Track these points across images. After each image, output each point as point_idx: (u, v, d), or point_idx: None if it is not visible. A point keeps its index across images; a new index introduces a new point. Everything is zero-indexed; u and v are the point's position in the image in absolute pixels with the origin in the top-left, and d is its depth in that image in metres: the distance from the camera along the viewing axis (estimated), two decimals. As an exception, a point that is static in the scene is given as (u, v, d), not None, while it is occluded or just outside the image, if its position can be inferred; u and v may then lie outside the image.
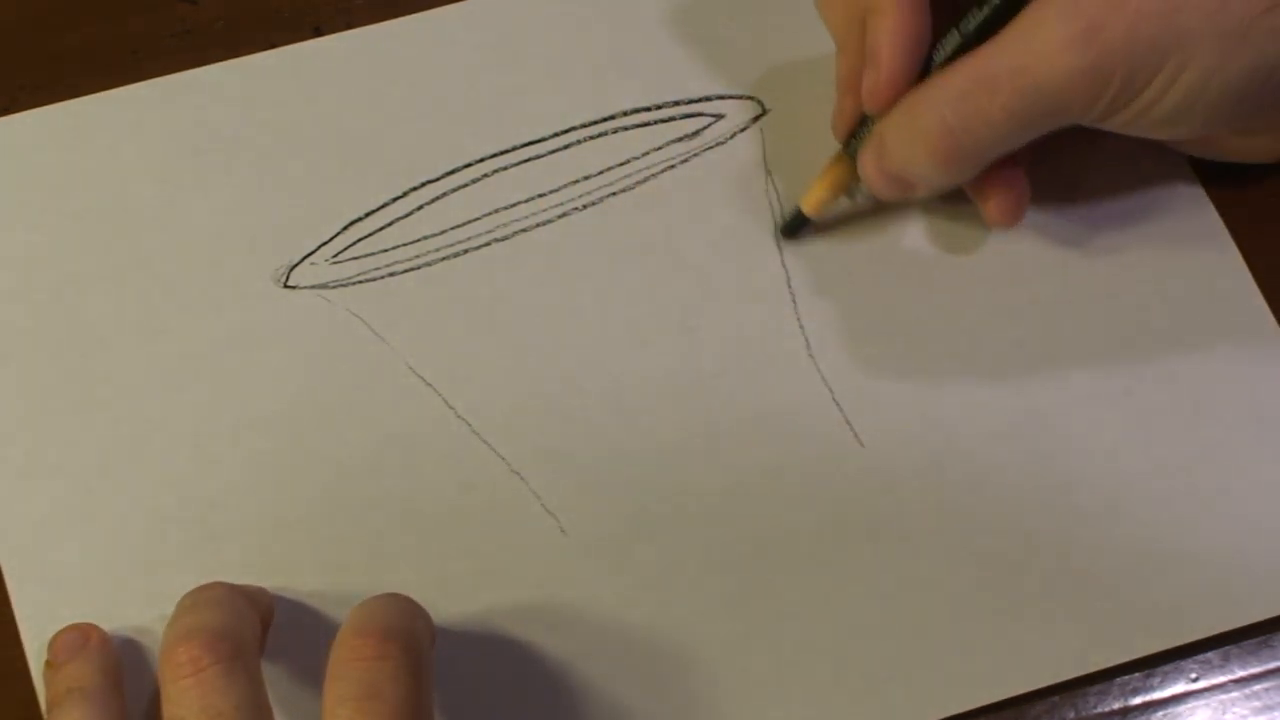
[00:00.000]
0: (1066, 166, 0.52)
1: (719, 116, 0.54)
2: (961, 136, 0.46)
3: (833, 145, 0.51)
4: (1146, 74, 0.44)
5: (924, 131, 0.46)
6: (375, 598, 0.44)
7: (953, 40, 0.46)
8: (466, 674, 0.46)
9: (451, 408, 0.49)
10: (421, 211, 0.52)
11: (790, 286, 0.51)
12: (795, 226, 0.51)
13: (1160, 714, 0.46)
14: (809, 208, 0.51)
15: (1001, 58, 0.45)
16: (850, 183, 0.51)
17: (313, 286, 0.51)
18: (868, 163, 0.48)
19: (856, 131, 0.49)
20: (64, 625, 0.46)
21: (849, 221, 0.52)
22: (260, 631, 0.44)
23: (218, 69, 0.54)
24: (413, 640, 0.42)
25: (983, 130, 0.45)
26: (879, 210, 0.51)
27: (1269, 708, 0.46)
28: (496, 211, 0.52)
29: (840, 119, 0.50)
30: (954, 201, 0.51)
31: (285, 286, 0.51)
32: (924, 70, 0.47)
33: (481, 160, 0.53)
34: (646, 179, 0.53)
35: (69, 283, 0.51)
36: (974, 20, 0.46)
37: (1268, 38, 0.43)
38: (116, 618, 0.46)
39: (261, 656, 0.45)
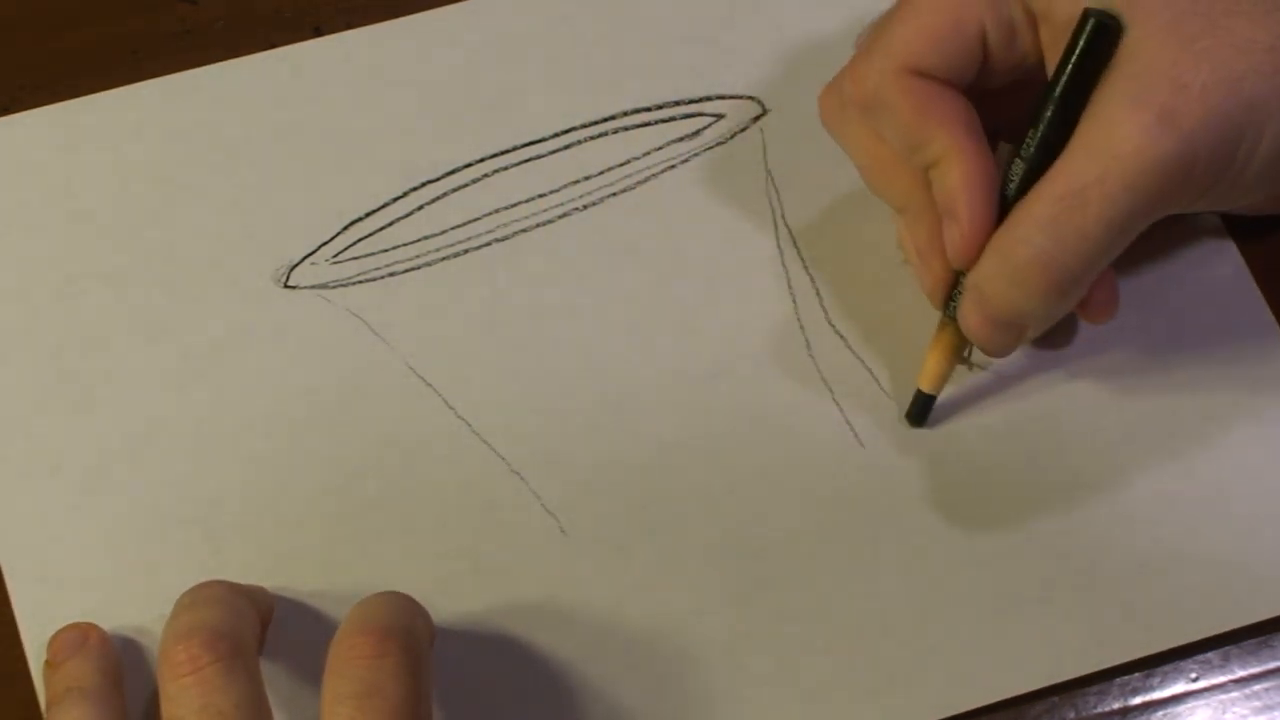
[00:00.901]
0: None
1: (719, 116, 0.54)
2: (1064, 260, 0.44)
3: (833, 150, 0.50)
4: (1229, 147, 0.43)
5: (1023, 268, 0.44)
6: (375, 596, 0.44)
7: (1019, 168, 0.45)
8: (466, 674, 0.46)
9: (451, 408, 0.49)
10: (421, 211, 0.52)
11: (790, 287, 0.51)
12: (921, 410, 0.49)
13: (1160, 714, 0.46)
14: (928, 385, 0.48)
15: (1082, 169, 0.43)
16: (961, 346, 0.48)
17: (313, 286, 0.51)
18: (970, 316, 0.46)
19: (953, 294, 0.47)
20: (64, 625, 0.46)
21: (851, 224, 0.52)
22: (259, 630, 0.44)
23: (218, 69, 0.54)
24: (412, 638, 0.42)
25: (1084, 248, 0.43)
26: (879, 212, 0.51)
27: (1269, 708, 0.46)
28: (496, 211, 0.52)
29: (935, 285, 0.48)
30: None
31: (285, 286, 0.51)
32: (1001, 210, 0.45)
33: (481, 160, 0.53)
34: (647, 179, 0.53)
35: (69, 283, 0.51)
36: (1034, 141, 0.44)
37: None
38: (116, 617, 0.46)
39: (261, 655, 0.45)
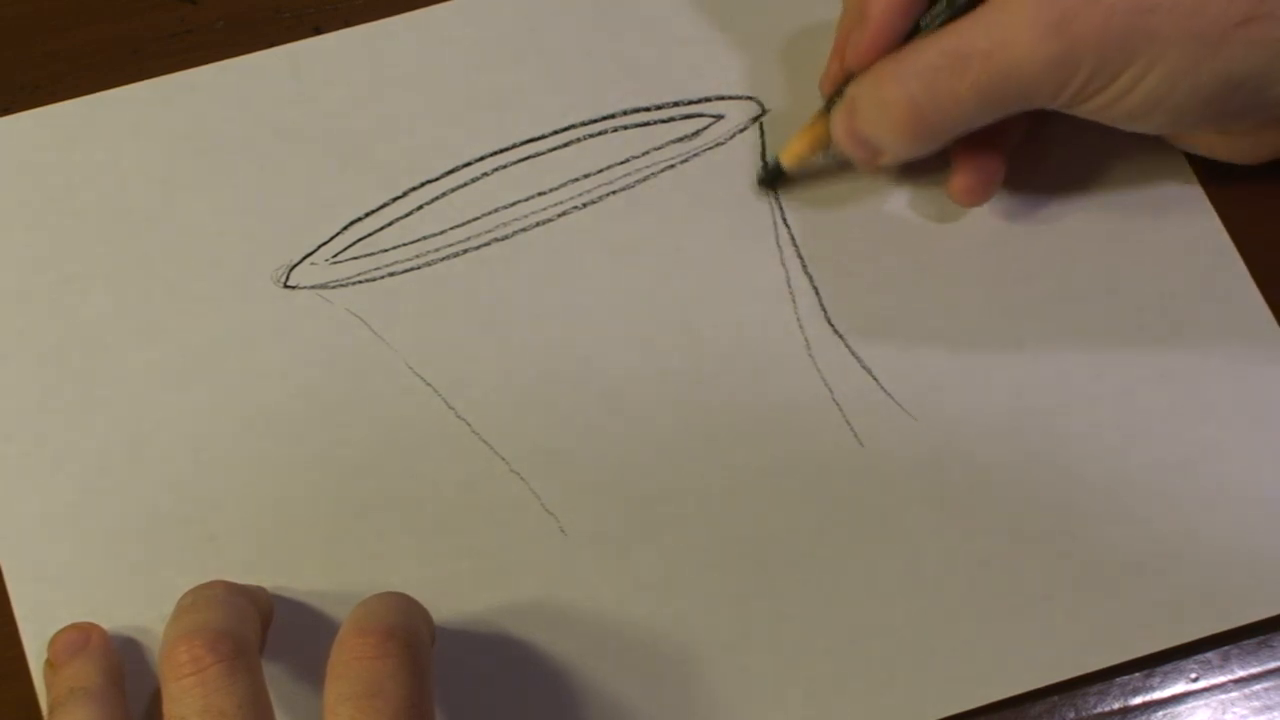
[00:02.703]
0: (1065, 169, 0.52)
1: (719, 117, 0.54)
2: (927, 112, 0.46)
3: (833, 159, 0.51)
4: (1114, 69, 0.44)
5: (891, 102, 0.47)
6: (376, 596, 0.44)
7: (941, 11, 0.47)
8: (466, 674, 0.46)
9: (451, 408, 0.49)
10: (421, 211, 0.52)
11: (790, 286, 0.51)
12: (772, 177, 0.52)
13: (1160, 714, 0.46)
14: (787, 160, 0.51)
15: (974, 37, 0.45)
16: (827, 141, 0.51)
17: (313, 286, 0.51)
18: (838, 123, 0.49)
19: (840, 91, 0.50)
20: (64, 625, 0.46)
21: (850, 224, 0.52)
22: (261, 631, 0.44)
23: (218, 69, 0.54)
24: (414, 638, 0.42)
25: (949, 107, 0.46)
26: (879, 212, 0.51)
27: (1269, 708, 0.46)
28: (496, 211, 0.52)
29: (827, 78, 0.50)
30: (952, 203, 0.51)
31: (285, 286, 0.51)
32: (909, 35, 0.47)
33: (481, 160, 0.53)
34: (646, 179, 0.53)
35: (69, 283, 0.51)
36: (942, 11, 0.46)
37: (1241, 49, 0.44)
38: (116, 618, 0.46)
39: (261, 656, 0.45)
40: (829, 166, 0.52)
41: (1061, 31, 0.44)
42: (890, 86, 0.47)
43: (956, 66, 0.45)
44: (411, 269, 0.51)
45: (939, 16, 0.47)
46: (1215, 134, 0.49)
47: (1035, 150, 0.52)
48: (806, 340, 0.51)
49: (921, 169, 0.51)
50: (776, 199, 0.52)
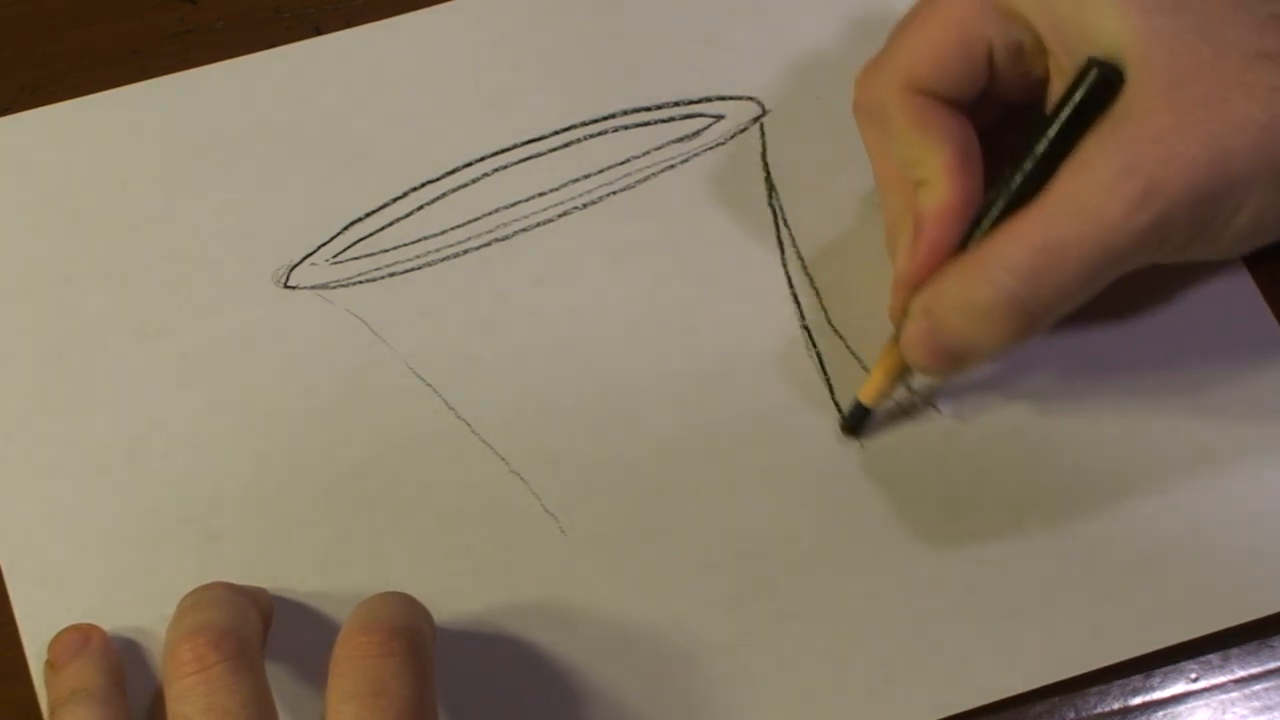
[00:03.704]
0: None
1: (719, 117, 0.54)
2: (1033, 308, 0.44)
3: (833, 149, 0.50)
4: (1205, 220, 0.43)
5: (987, 305, 0.44)
6: (379, 595, 0.44)
7: (999, 205, 0.45)
8: (466, 674, 0.46)
9: (451, 408, 0.49)
10: (421, 211, 0.52)
11: (790, 286, 0.51)
12: (857, 420, 0.49)
13: (1160, 714, 0.46)
14: (869, 398, 0.48)
15: (1065, 225, 0.43)
16: (906, 368, 0.48)
17: (313, 286, 0.51)
18: (917, 342, 0.46)
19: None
20: (64, 625, 0.46)
21: (850, 224, 0.52)
22: (261, 630, 0.44)
23: (218, 69, 0.54)
24: (418, 638, 0.42)
25: (1055, 300, 0.44)
26: (878, 212, 0.51)
27: (1269, 708, 0.46)
28: (496, 211, 0.52)
29: (896, 307, 0.47)
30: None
31: (285, 286, 0.51)
32: (965, 239, 0.45)
33: (481, 160, 0.53)
34: (646, 179, 0.53)
35: (69, 283, 0.51)
36: (1018, 174, 0.44)
37: None
38: (116, 618, 0.46)
39: (262, 656, 0.45)
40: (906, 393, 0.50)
41: (1150, 200, 0.42)
42: (983, 290, 0.44)
43: (1055, 259, 0.43)
44: (412, 269, 0.51)
45: (999, 210, 0.45)
46: None
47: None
48: (806, 340, 0.51)
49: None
50: (777, 199, 0.52)
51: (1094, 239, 0.43)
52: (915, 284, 0.46)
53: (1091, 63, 0.43)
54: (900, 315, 0.47)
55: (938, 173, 0.45)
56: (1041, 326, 0.45)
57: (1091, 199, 0.43)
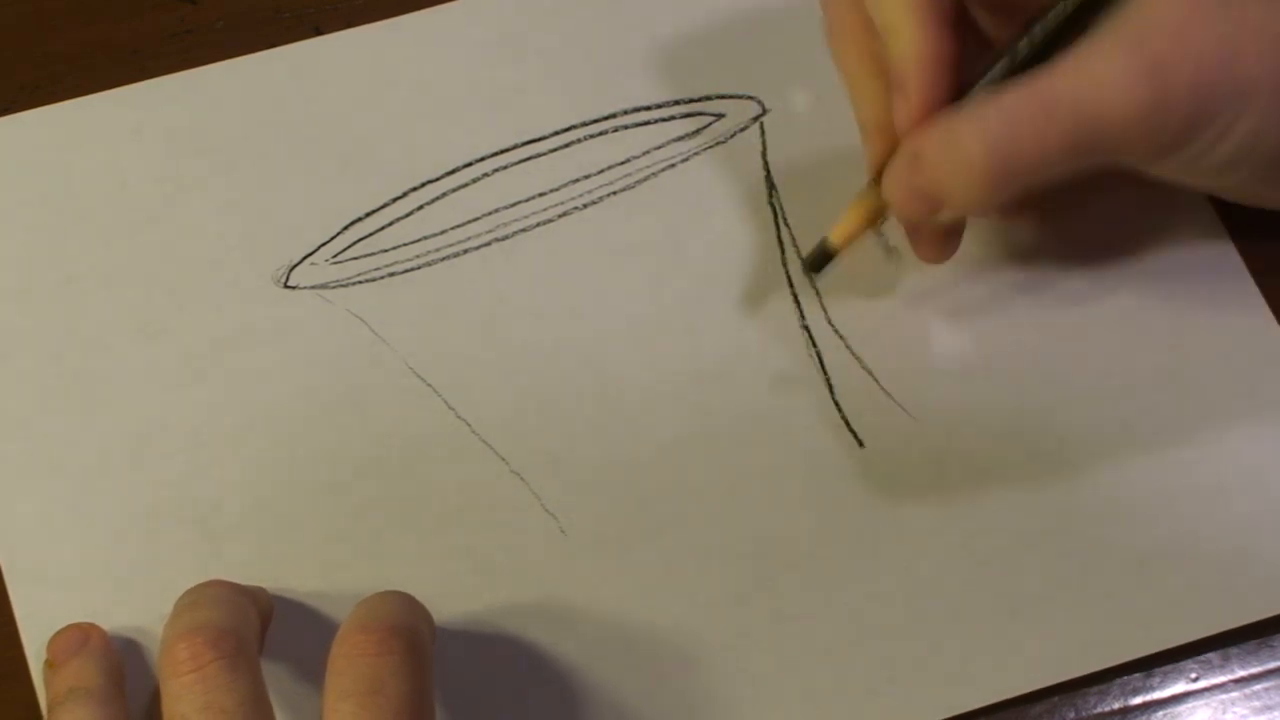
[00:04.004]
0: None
1: (719, 116, 0.54)
2: (1011, 158, 0.43)
3: (833, 149, 0.50)
4: (1205, 119, 0.43)
5: (969, 150, 0.44)
6: (378, 594, 0.44)
7: (1002, 66, 0.45)
8: (466, 674, 0.46)
9: (451, 408, 0.49)
10: (421, 211, 0.52)
11: (791, 286, 0.51)
12: (821, 260, 0.49)
13: (1160, 714, 0.46)
14: (837, 239, 0.48)
15: (1061, 84, 0.43)
16: (880, 213, 0.48)
17: (313, 286, 0.51)
18: (898, 179, 0.46)
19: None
20: (64, 625, 0.46)
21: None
22: (260, 630, 0.44)
23: (218, 69, 0.54)
24: (416, 636, 0.42)
25: (1035, 155, 0.43)
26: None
27: (1269, 708, 0.46)
28: (496, 211, 0.52)
29: (874, 161, 0.47)
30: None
31: (285, 286, 0.51)
32: (959, 93, 0.45)
33: (481, 160, 0.53)
34: (646, 178, 0.53)
35: (69, 283, 0.51)
36: (1026, 46, 0.44)
37: None
38: (116, 618, 0.46)
39: (261, 656, 0.45)
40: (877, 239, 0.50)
41: (1153, 78, 0.42)
42: (967, 134, 0.44)
43: (1043, 113, 0.43)
44: (412, 269, 0.51)
45: (1000, 72, 0.45)
46: (1272, 188, 0.48)
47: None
48: (806, 340, 0.51)
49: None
50: (777, 199, 0.52)
51: (1087, 100, 0.43)
52: (904, 130, 0.45)
53: None
54: (878, 163, 0.47)
55: (906, 19, 0.45)
56: (1015, 184, 0.44)
57: (1094, 65, 0.43)
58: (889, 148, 0.47)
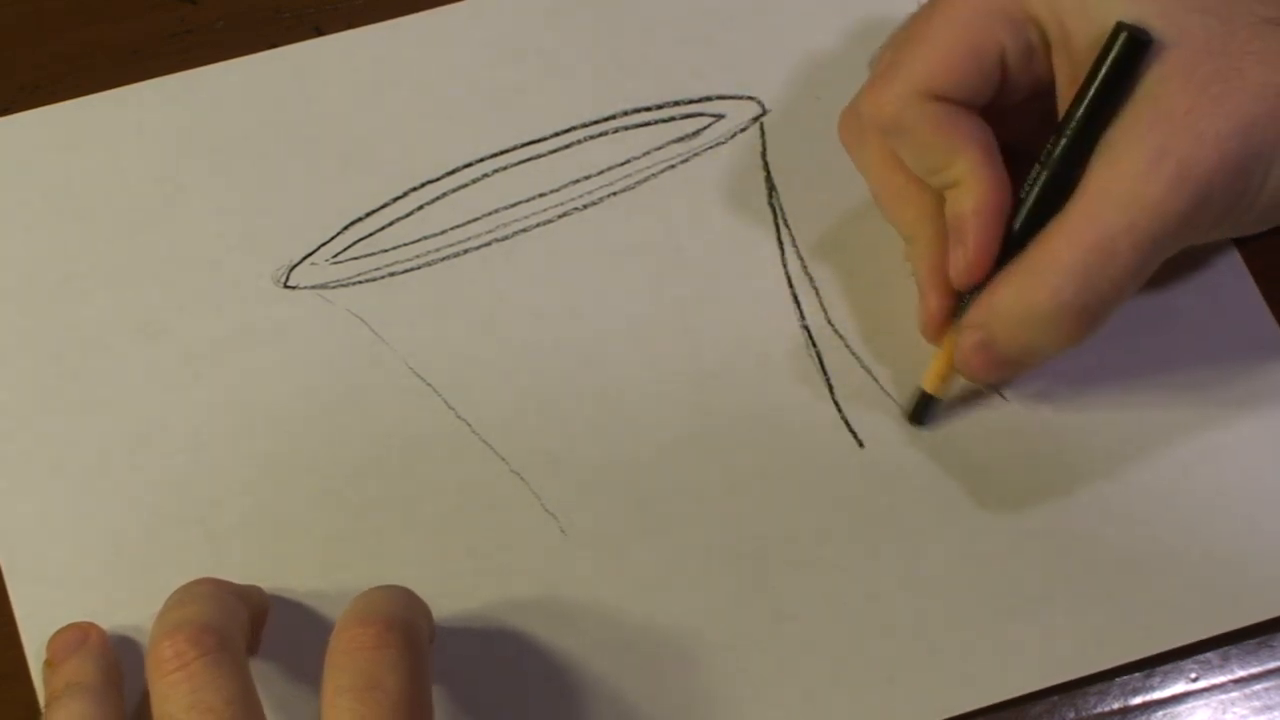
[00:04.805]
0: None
1: (719, 116, 0.54)
2: (1091, 306, 0.44)
3: (833, 149, 0.50)
4: (1239, 191, 0.44)
5: (1044, 313, 0.44)
6: (376, 588, 0.44)
7: (1023, 210, 0.45)
8: (466, 674, 0.46)
9: (451, 408, 0.49)
10: (421, 211, 0.52)
11: (790, 286, 0.51)
12: (922, 410, 0.49)
13: (1160, 714, 0.46)
14: (930, 386, 0.48)
15: (1108, 219, 0.43)
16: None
17: (313, 286, 0.51)
18: (974, 358, 0.46)
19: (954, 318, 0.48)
20: (64, 625, 0.45)
21: (850, 224, 0.52)
22: (250, 627, 0.44)
23: (218, 69, 0.54)
24: (414, 631, 0.42)
25: (1112, 295, 0.44)
26: (879, 218, 0.51)
27: (1269, 708, 0.46)
28: (496, 211, 0.52)
29: (930, 318, 0.48)
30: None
31: (285, 286, 0.51)
32: (1006, 239, 0.46)
33: (481, 160, 0.53)
34: (646, 179, 0.53)
35: (69, 283, 0.51)
36: (1038, 185, 0.45)
37: None
38: (116, 618, 0.46)
39: (255, 654, 0.45)
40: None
41: (1185, 181, 0.43)
42: (1041, 298, 0.44)
43: (1106, 256, 0.43)
44: (412, 269, 0.51)
45: (1022, 219, 0.45)
46: None
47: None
48: (806, 340, 0.51)
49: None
50: (777, 199, 0.52)
51: (1142, 229, 0.43)
52: (968, 286, 0.46)
53: (1120, 26, 0.43)
54: (939, 322, 0.47)
55: (970, 172, 0.46)
56: (1100, 323, 0.45)
57: (1131, 188, 0.43)
58: (945, 300, 0.47)
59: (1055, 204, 0.44)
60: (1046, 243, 0.44)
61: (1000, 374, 0.48)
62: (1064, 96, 0.46)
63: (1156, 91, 0.44)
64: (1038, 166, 0.45)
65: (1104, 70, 0.44)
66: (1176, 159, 0.43)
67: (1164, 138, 0.43)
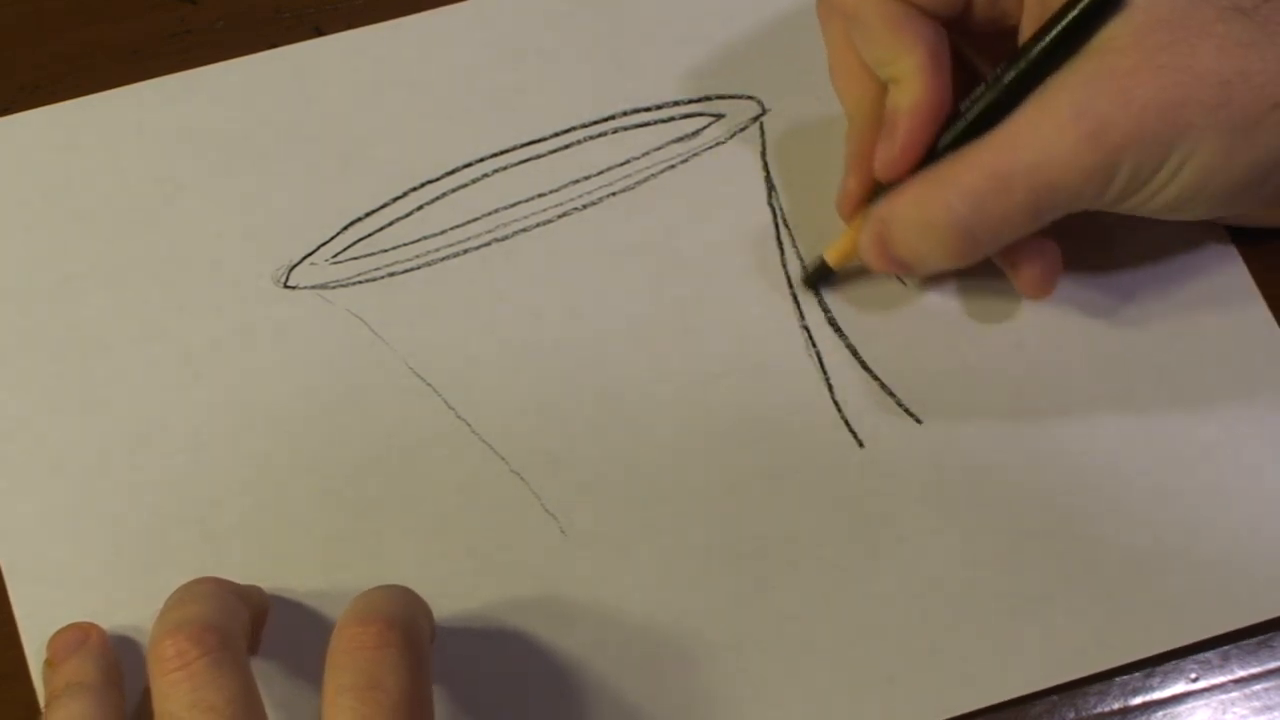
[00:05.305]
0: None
1: (719, 116, 0.54)
2: (978, 232, 0.46)
3: (833, 149, 0.50)
4: (1151, 167, 0.44)
5: (935, 225, 0.46)
6: (377, 588, 0.44)
7: (959, 125, 0.47)
8: (466, 674, 0.46)
9: (451, 408, 0.49)
10: (421, 211, 0.52)
11: (790, 286, 0.51)
12: (818, 277, 0.51)
13: (1160, 714, 0.46)
14: (833, 259, 0.50)
15: (1014, 155, 0.45)
16: None
17: (313, 286, 0.51)
18: (870, 248, 0.48)
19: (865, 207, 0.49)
20: (64, 625, 0.45)
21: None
22: (250, 626, 0.44)
23: (218, 69, 0.54)
24: (414, 630, 0.42)
25: (998, 226, 0.46)
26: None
27: (1269, 708, 0.46)
28: (496, 211, 0.52)
29: (846, 196, 0.49)
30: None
31: (285, 286, 0.51)
32: (930, 150, 0.47)
33: (481, 160, 0.53)
34: (646, 179, 0.53)
35: (69, 283, 0.51)
36: (977, 106, 0.46)
37: (1274, 135, 0.44)
38: (116, 617, 0.46)
39: (255, 654, 0.45)
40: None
41: (1099, 140, 0.43)
42: (935, 210, 0.46)
43: (1002, 186, 0.45)
44: (411, 269, 0.51)
45: (955, 132, 0.47)
46: (1265, 208, 0.49)
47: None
48: (806, 340, 0.51)
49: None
50: (777, 199, 0.52)
51: (1041, 174, 0.44)
52: (887, 179, 0.48)
53: None
54: (852, 203, 0.49)
55: (912, 72, 0.47)
56: (983, 250, 0.47)
57: (1043, 134, 0.44)
58: (863, 183, 0.49)
59: (987, 127, 0.46)
60: (957, 161, 0.46)
61: (891, 268, 0.49)
62: (1026, 31, 0.47)
63: (1106, 47, 0.44)
64: (982, 87, 0.46)
65: (1069, 16, 0.44)
66: (1097, 117, 0.43)
67: (1094, 94, 0.44)
